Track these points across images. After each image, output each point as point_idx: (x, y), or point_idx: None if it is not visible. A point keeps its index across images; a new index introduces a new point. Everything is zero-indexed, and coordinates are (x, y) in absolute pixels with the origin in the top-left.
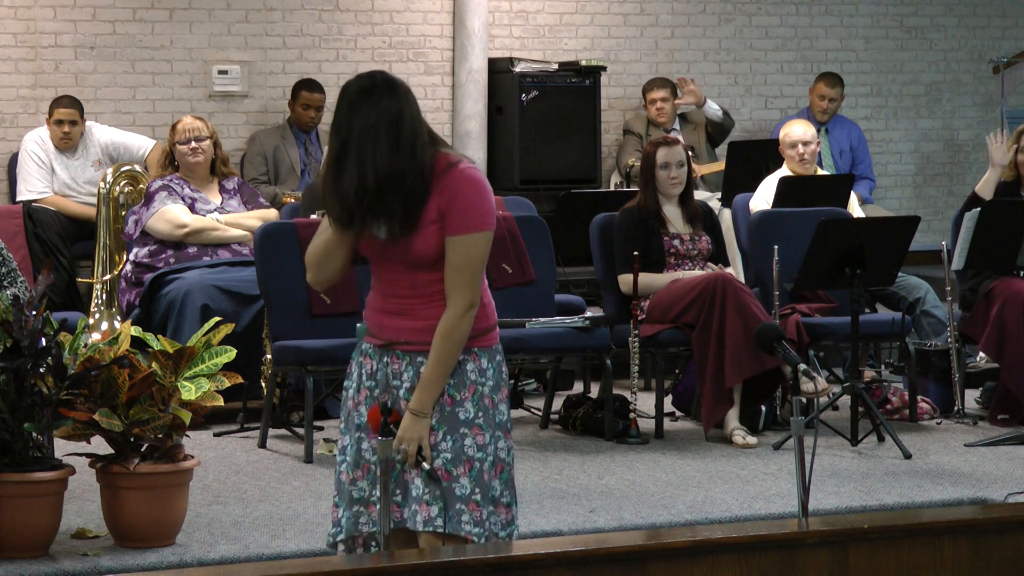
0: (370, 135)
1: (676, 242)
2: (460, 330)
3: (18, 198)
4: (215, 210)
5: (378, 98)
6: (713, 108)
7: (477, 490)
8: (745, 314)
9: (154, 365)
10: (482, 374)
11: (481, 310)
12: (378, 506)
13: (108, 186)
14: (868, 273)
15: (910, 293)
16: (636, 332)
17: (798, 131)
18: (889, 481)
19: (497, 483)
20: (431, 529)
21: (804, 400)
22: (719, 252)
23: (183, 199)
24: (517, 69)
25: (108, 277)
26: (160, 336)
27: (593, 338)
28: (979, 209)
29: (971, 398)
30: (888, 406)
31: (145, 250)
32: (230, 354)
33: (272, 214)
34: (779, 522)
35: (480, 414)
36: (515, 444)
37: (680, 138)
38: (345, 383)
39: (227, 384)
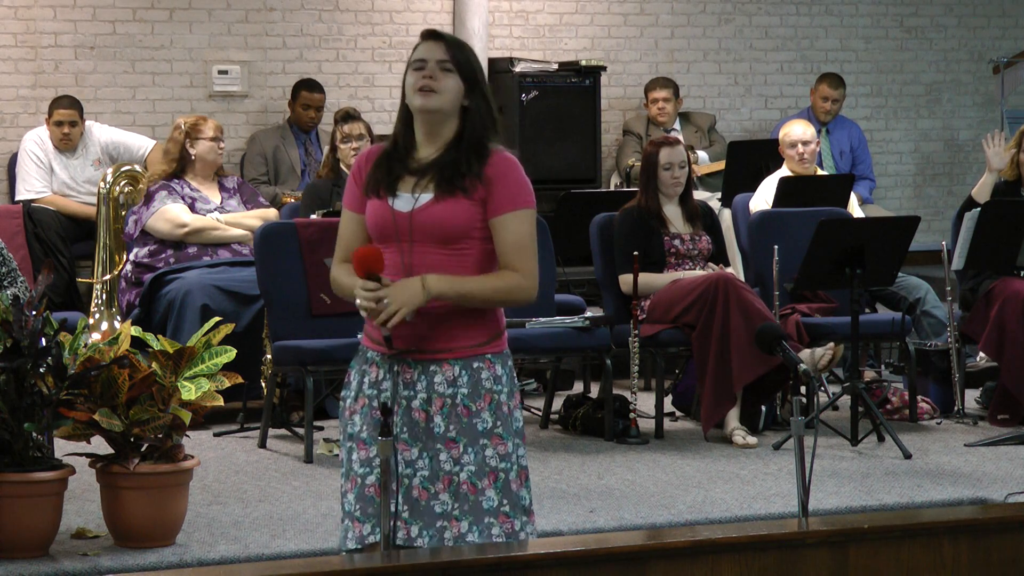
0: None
1: (676, 242)
2: (513, 296)
3: (17, 197)
4: (215, 209)
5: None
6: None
7: (506, 501)
8: (749, 313)
9: (154, 365)
10: (497, 381)
11: (495, 312)
12: (363, 523)
13: (108, 186)
14: (868, 273)
15: (910, 293)
16: (636, 332)
17: (798, 131)
18: (889, 481)
19: (524, 492)
20: (462, 545)
21: (804, 400)
22: (719, 252)
23: (183, 198)
24: (517, 69)
25: (108, 277)
26: (160, 336)
27: (593, 338)
28: (979, 209)
29: (971, 398)
30: (888, 406)
31: (145, 250)
32: (230, 354)
33: (272, 214)
34: (779, 522)
35: (499, 423)
36: None
37: (680, 138)
38: (343, 393)
39: (227, 384)
